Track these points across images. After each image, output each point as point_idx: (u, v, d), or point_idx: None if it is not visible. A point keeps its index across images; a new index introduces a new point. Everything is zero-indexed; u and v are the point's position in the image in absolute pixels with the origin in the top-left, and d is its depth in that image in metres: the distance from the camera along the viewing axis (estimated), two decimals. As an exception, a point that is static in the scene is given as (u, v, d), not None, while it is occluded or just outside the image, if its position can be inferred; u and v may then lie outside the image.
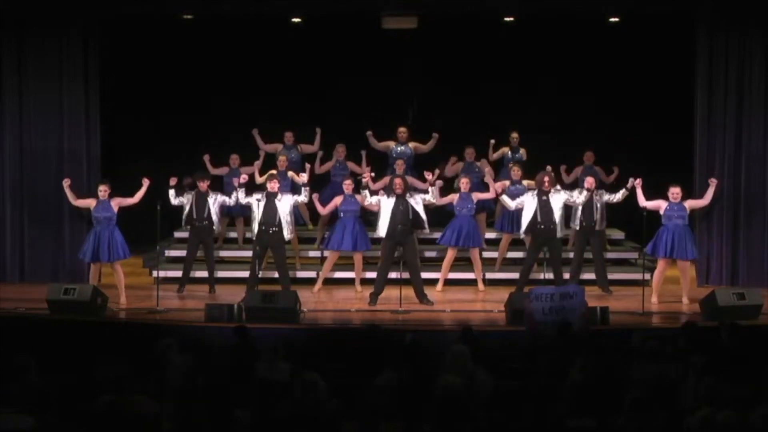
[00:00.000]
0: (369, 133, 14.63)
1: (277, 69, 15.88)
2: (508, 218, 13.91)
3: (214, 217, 13.24)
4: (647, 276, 13.26)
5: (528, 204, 12.92)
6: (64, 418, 6.91)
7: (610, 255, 14.36)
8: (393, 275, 12.75)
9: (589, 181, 13.24)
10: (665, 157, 15.10)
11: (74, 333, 11.01)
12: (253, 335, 9.57)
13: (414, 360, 8.44)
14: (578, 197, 13.10)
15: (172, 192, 13.14)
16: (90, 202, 12.82)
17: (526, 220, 12.93)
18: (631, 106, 15.62)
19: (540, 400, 7.24)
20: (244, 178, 13.31)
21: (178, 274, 13.66)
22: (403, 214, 12.61)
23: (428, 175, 13.12)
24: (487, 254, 13.93)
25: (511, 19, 14.44)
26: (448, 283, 13.77)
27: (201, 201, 13.19)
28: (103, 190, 12.69)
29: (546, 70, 15.76)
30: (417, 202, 12.76)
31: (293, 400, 7.17)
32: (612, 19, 14.47)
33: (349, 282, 13.71)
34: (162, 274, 13.04)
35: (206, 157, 14.66)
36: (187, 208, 13.21)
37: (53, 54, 13.94)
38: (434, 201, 13.04)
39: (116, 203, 12.72)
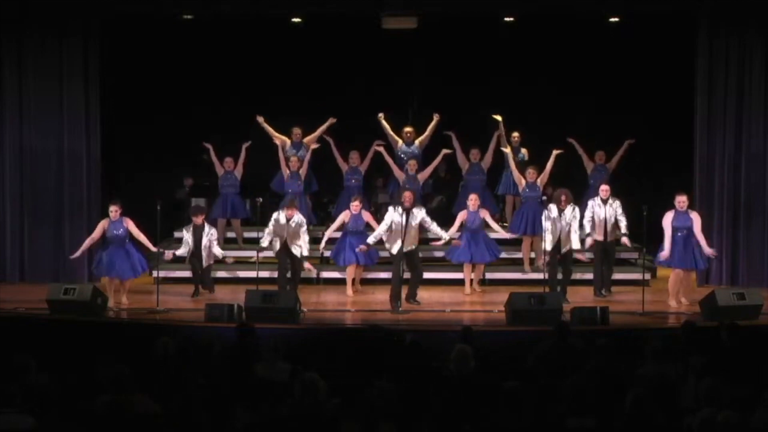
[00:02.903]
0: (381, 115, 14.46)
1: (277, 69, 15.87)
2: (524, 221, 13.72)
3: (204, 252, 12.98)
4: (647, 276, 13.28)
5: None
6: (64, 418, 6.89)
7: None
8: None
9: (604, 190, 13.08)
10: (665, 156, 15.11)
11: (74, 333, 11.01)
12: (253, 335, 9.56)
13: (414, 360, 8.43)
14: (598, 210, 12.94)
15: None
16: (103, 224, 12.57)
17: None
18: (631, 106, 15.60)
19: (540, 400, 7.22)
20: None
21: (178, 274, 13.68)
22: (413, 229, 12.51)
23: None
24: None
25: (511, 19, 14.46)
26: (448, 283, 13.80)
27: (197, 235, 13.05)
28: (114, 210, 12.47)
29: (546, 70, 15.74)
30: (426, 221, 12.65)
31: (293, 400, 7.16)
32: (612, 19, 14.48)
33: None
34: (162, 274, 13.03)
35: (210, 148, 14.72)
36: (189, 244, 13.01)
37: (53, 54, 13.95)
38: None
39: (129, 223, 12.51)
